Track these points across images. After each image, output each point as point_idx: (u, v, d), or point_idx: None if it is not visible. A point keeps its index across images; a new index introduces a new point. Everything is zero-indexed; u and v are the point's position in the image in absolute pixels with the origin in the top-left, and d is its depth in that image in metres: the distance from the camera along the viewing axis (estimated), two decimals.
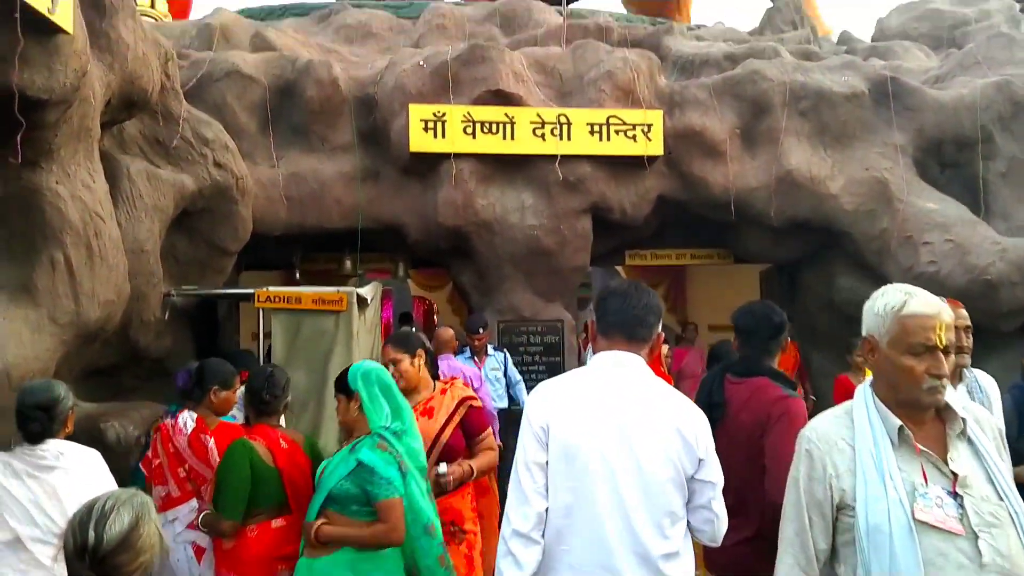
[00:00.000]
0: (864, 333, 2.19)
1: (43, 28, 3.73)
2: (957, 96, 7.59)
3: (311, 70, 7.17)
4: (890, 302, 2.14)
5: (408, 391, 3.52)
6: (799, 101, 7.60)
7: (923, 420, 2.12)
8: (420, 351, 3.66)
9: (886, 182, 7.43)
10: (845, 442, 2.15)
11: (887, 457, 2.07)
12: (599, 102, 7.38)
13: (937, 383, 2.07)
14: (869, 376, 2.33)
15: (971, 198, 7.57)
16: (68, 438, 3.26)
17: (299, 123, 7.32)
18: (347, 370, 3.31)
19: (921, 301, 2.11)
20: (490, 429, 3.82)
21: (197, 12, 13.35)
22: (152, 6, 12.91)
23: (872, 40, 11.56)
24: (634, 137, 7.32)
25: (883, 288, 2.23)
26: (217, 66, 7.08)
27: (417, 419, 3.37)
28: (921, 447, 2.07)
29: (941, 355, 2.08)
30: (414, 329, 9.14)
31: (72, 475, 3.11)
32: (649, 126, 7.35)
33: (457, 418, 3.61)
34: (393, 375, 3.43)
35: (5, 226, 4.32)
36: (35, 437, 3.09)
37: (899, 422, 2.10)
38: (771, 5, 11.25)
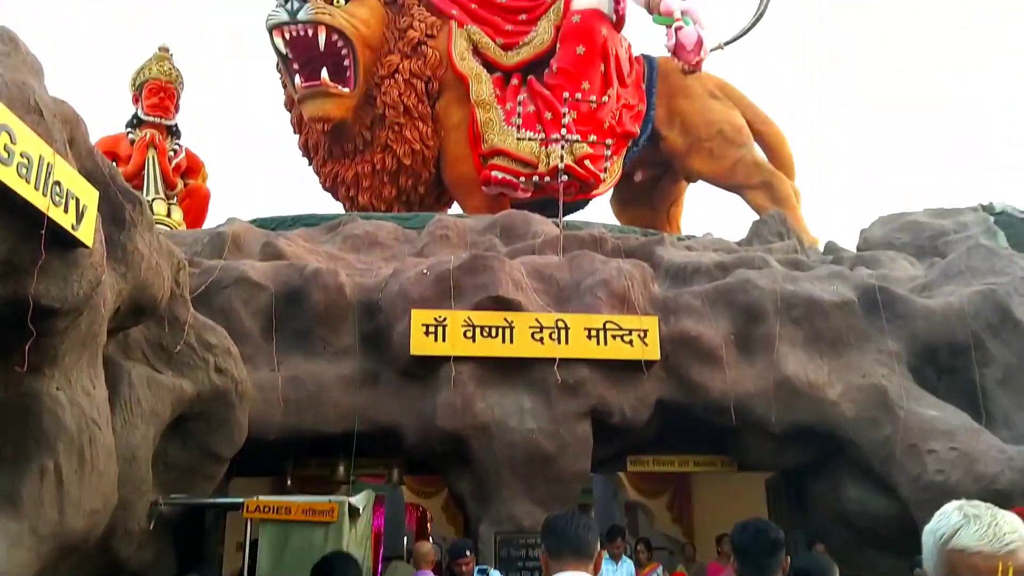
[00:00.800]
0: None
1: (64, 242, 3.93)
2: (946, 304, 7.85)
3: (318, 277, 7.46)
4: (940, 527, 1.60)
5: None
6: (791, 309, 7.84)
7: None
8: None
9: (885, 389, 7.47)
10: None
11: None
12: (595, 308, 7.61)
13: None
14: None
15: (971, 405, 7.59)
16: None
17: (302, 328, 7.49)
18: None
19: (980, 530, 1.55)
20: None
21: (212, 220, 14.06)
22: (168, 215, 13.70)
23: (857, 249, 12.12)
24: (631, 342, 7.47)
25: (946, 505, 1.69)
26: (227, 273, 7.38)
27: None
28: None
29: None
30: (405, 540, 8.83)
31: None
32: (645, 331, 7.52)
33: None
34: None
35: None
36: None
37: None
38: (758, 218, 11.89)
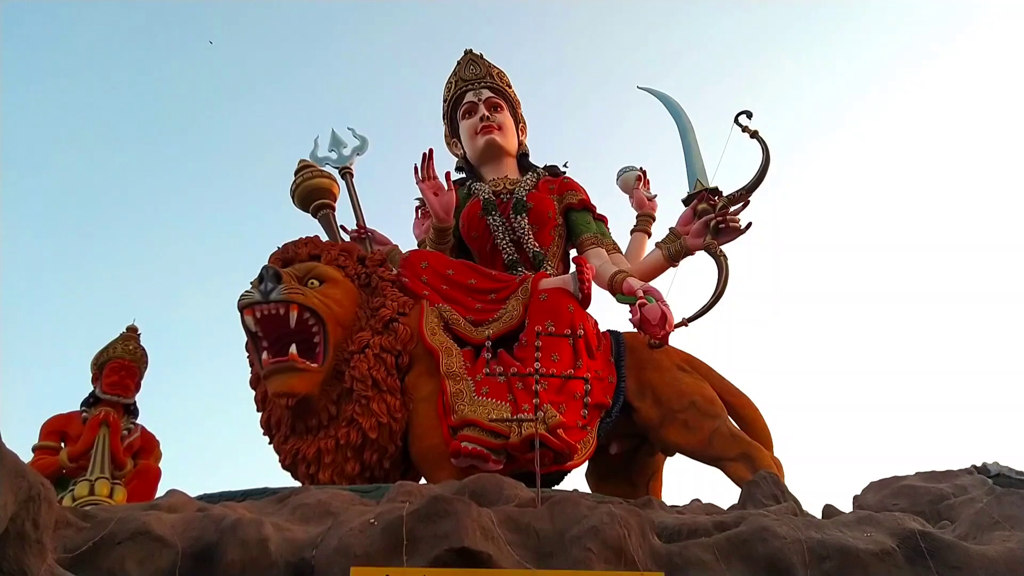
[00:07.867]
0: None
1: None
2: (1005, 551, 6.02)
3: (237, 529, 5.52)
4: None
5: None
6: (822, 562, 5.92)
7: None
8: None
9: None
10: None
11: None
12: (586, 563, 5.64)
13: None
14: None
15: None
16: None
17: None
18: None
19: None
20: None
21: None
22: (111, 495, 11.69)
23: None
24: None
25: None
26: (124, 526, 5.43)
27: None
28: None
29: None
30: None
31: None
32: None
33: None
34: None
35: None
36: None
37: None
38: (750, 480, 10.21)
